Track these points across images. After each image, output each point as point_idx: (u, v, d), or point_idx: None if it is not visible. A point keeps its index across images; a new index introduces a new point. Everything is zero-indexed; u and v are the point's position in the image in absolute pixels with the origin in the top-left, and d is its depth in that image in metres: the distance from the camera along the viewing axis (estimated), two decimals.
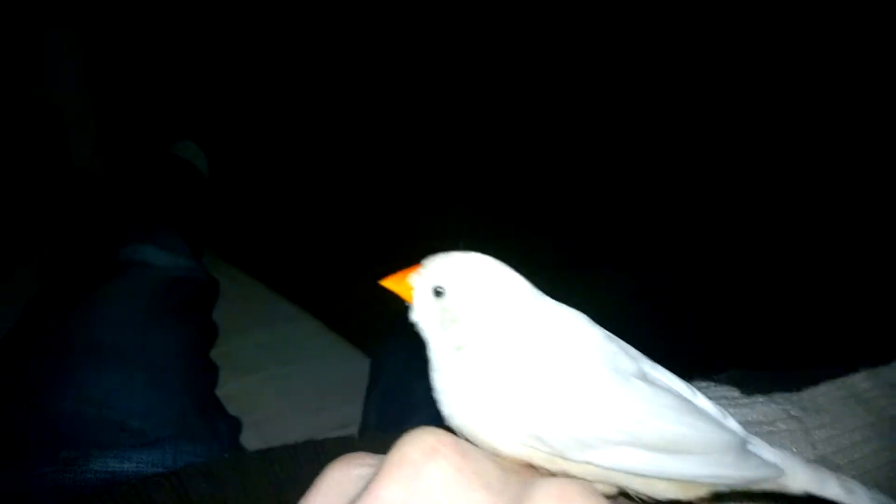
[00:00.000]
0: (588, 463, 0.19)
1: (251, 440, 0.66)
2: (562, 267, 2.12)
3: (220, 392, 0.70)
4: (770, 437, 0.29)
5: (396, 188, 1.56)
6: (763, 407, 0.30)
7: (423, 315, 0.23)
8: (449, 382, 0.21)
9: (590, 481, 0.19)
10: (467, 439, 0.20)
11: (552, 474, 0.20)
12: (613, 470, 0.19)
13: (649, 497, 0.20)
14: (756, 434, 0.27)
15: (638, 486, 0.20)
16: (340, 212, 1.45)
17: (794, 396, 0.31)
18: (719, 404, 0.28)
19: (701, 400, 0.22)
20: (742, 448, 0.20)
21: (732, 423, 0.21)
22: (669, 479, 0.19)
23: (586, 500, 0.17)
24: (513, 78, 1.61)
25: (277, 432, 0.74)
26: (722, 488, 0.21)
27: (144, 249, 0.69)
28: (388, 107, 1.55)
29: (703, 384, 0.32)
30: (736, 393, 0.30)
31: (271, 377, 0.79)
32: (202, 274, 0.74)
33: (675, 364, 0.33)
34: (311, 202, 1.44)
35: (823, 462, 0.28)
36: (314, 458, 0.40)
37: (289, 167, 1.46)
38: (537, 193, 1.99)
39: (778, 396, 0.30)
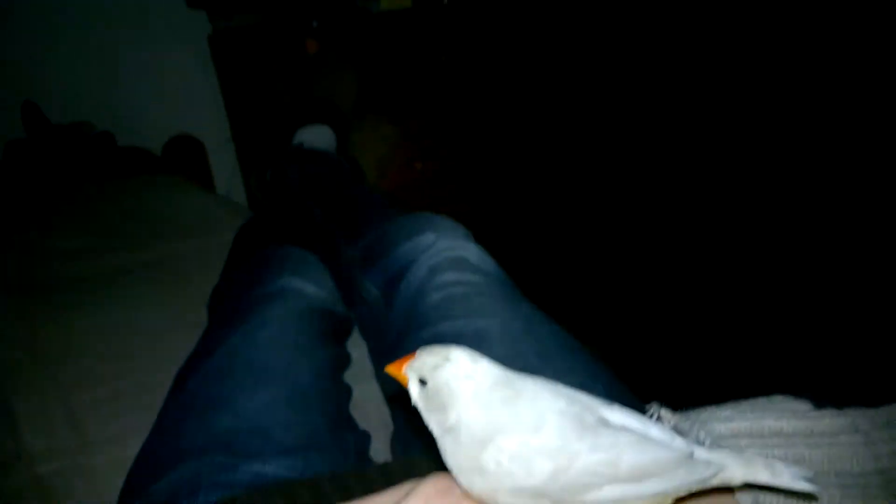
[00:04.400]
0: (582, 502, 0.24)
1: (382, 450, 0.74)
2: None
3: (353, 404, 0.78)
4: (829, 450, 0.30)
5: None
6: (830, 420, 0.30)
7: (416, 400, 0.27)
8: (451, 461, 0.25)
9: None
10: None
11: None
12: (604, 502, 0.24)
13: None
14: (817, 445, 0.30)
15: None
16: None
17: (871, 412, 0.31)
18: (784, 416, 0.30)
19: (651, 429, 0.26)
20: (689, 459, 0.25)
21: (678, 442, 0.25)
22: (642, 500, 0.24)
23: None
24: None
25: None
26: (682, 493, 0.25)
27: (295, 280, 0.79)
28: None
29: (780, 398, 0.33)
30: (806, 406, 0.31)
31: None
32: (341, 308, 0.83)
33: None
34: None
35: (884, 474, 0.29)
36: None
37: None
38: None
39: (851, 411, 0.31)
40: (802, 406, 0.31)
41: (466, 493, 0.25)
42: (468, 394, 0.25)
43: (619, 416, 0.26)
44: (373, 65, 1.50)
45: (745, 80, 1.87)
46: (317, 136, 1.29)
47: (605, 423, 0.25)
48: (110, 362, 0.90)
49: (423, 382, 0.26)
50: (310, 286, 0.80)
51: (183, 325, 0.99)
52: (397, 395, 0.57)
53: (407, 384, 0.27)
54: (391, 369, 0.27)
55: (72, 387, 0.85)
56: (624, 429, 0.25)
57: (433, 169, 1.50)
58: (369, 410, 0.78)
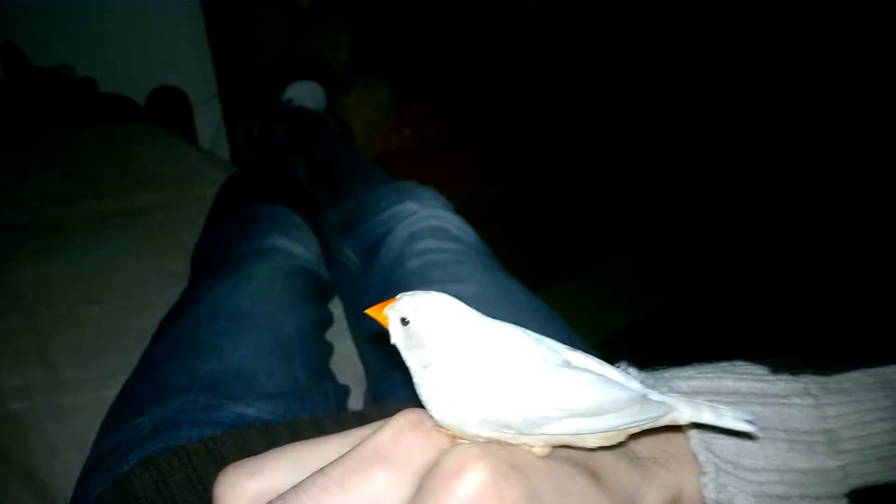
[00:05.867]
0: (542, 434, 0.26)
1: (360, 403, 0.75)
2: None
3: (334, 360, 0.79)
4: (780, 409, 0.32)
5: None
6: (784, 384, 0.33)
7: (396, 339, 0.29)
8: (425, 394, 0.27)
9: (540, 445, 0.27)
10: (456, 434, 0.27)
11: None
12: (560, 435, 0.27)
13: (583, 447, 0.28)
14: (770, 404, 0.32)
15: (575, 441, 0.27)
16: None
17: (822, 379, 0.33)
18: (743, 378, 0.33)
19: (610, 371, 0.28)
20: (643, 399, 0.27)
21: (635, 384, 0.28)
22: (597, 433, 0.27)
23: (479, 461, 0.25)
24: None
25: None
26: (634, 430, 0.27)
27: (284, 240, 0.81)
28: None
29: (741, 362, 0.35)
30: (763, 371, 0.34)
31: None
32: (325, 272, 0.84)
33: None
34: None
35: (829, 434, 0.32)
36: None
37: None
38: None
39: (805, 377, 0.33)
40: (760, 370, 0.34)
41: (436, 426, 0.27)
42: (446, 332, 0.28)
43: (580, 358, 0.28)
44: (369, 22, 1.47)
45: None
46: (306, 94, 1.28)
47: (568, 364, 0.28)
48: (87, 306, 0.90)
49: (404, 322, 0.28)
50: (298, 247, 0.81)
51: (162, 275, 0.99)
52: (374, 336, 0.59)
53: (387, 325, 0.29)
54: (372, 312, 0.29)
55: (47, 327, 0.84)
56: (585, 370, 0.28)
57: (420, 136, 1.50)
58: (345, 368, 0.79)
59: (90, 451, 0.56)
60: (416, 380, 0.28)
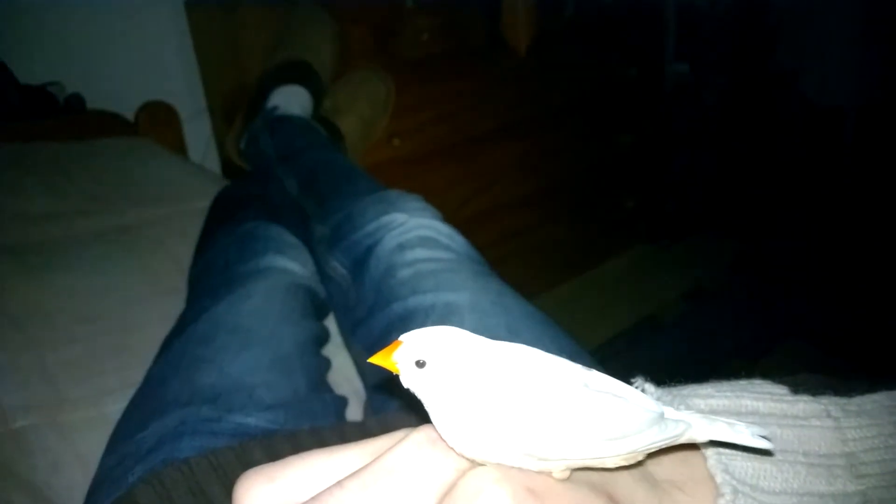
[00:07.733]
0: (564, 459, 0.26)
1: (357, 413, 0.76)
2: (659, 237, 2.15)
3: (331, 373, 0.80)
4: (799, 431, 0.32)
5: None
6: (804, 405, 0.32)
7: (411, 382, 0.27)
8: (447, 428, 0.27)
9: (560, 469, 0.27)
10: (477, 459, 0.27)
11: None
12: (583, 458, 0.27)
13: (602, 468, 0.28)
14: (790, 426, 0.31)
15: (596, 464, 0.27)
16: None
17: (843, 400, 0.33)
18: (762, 398, 0.32)
19: (627, 391, 0.28)
20: (661, 419, 0.27)
21: (651, 404, 0.28)
22: (618, 455, 0.27)
23: (498, 486, 0.25)
24: None
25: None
26: (653, 449, 0.27)
27: (280, 259, 0.82)
28: None
29: (760, 381, 0.34)
30: (782, 391, 0.33)
31: None
32: (321, 290, 0.85)
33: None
34: None
35: (850, 457, 0.31)
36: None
37: None
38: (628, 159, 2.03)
39: (825, 399, 0.33)
40: (780, 390, 0.33)
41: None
42: (462, 366, 0.27)
43: (598, 378, 0.28)
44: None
45: None
46: (291, 99, 1.27)
47: (586, 387, 0.27)
48: (83, 323, 0.91)
49: (419, 365, 0.27)
50: (294, 265, 0.82)
51: (157, 291, 1.00)
52: (383, 383, 0.59)
53: (396, 370, 0.28)
54: (377, 359, 0.28)
55: (45, 345, 0.85)
56: (605, 392, 0.27)
57: (410, 146, 1.50)
58: (341, 382, 0.80)
59: (98, 468, 0.57)
60: (434, 416, 0.27)
